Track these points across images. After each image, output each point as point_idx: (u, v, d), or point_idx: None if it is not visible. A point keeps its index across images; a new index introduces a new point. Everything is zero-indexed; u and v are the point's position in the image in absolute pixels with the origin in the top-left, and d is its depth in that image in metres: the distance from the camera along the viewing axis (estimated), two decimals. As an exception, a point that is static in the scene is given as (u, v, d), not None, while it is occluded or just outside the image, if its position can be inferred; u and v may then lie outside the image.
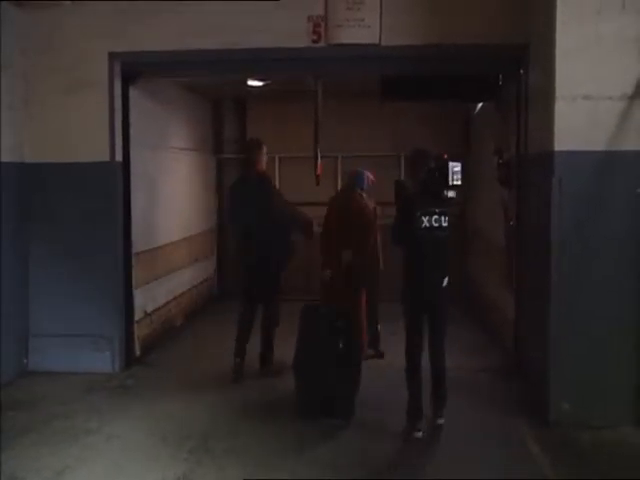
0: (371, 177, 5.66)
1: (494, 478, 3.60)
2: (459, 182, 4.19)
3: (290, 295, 6.01)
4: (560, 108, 4.18)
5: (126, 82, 5.51)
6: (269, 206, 5.15)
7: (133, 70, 5.48)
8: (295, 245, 5.37)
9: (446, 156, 4.27)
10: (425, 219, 4.13)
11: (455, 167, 4.17)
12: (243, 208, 5.26)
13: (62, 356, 5.37)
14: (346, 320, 4.59)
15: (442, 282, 4.25)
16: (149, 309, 6.30)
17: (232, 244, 6.42)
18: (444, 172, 4.16)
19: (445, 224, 4.18)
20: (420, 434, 4.16)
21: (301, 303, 4.89)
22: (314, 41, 5.03)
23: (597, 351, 4.27)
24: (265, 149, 5.39)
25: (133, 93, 5.62)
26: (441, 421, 4.26)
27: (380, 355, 5.78)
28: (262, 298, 5.33)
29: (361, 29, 5.00)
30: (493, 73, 5.55)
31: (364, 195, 5.59)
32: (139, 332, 5.86)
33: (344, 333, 4.49)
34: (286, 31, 5.03)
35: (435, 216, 4.14)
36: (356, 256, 5.30)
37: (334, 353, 4.41)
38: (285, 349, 5.02)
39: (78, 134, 5.29)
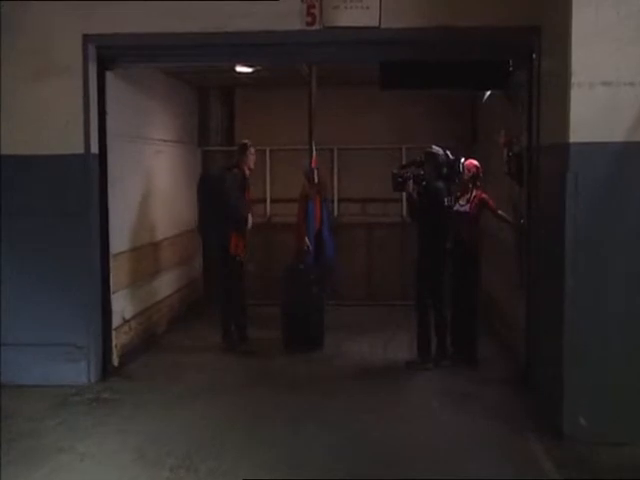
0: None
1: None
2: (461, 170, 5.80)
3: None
4: (576, 95, 4.04)
5: (102, 67, 5.36)
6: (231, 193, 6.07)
7: (110, 54, 5.33)
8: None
9: (450, 151, 5.70)
10: (445, 199, 5.58)
11: (461, 159, 5.76)
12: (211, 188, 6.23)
13: (32, 367, 5.18)
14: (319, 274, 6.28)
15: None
16: (128, 315, 6.14)
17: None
18: (457, 165, 5.67)
19: (451, 203, 5.67)
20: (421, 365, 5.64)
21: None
22: (308, 24, 4.91)
23: (616, 361, 4.11)
24: (252, 150, 6.20)
25: (110, 79, 5.48)
26: (446, 363, 5.64)
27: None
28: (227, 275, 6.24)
29: (359, 10, 4.91)
30: (503, 58, 5.43)
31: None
32: (117, 341, 5.72)
33: (319, 284, 6.18)
34: (277, 13, 4.90)
35: (447, 197, 5.60)
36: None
37: (313, 300, 6.10)
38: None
39: (49, 124, 5.12)
